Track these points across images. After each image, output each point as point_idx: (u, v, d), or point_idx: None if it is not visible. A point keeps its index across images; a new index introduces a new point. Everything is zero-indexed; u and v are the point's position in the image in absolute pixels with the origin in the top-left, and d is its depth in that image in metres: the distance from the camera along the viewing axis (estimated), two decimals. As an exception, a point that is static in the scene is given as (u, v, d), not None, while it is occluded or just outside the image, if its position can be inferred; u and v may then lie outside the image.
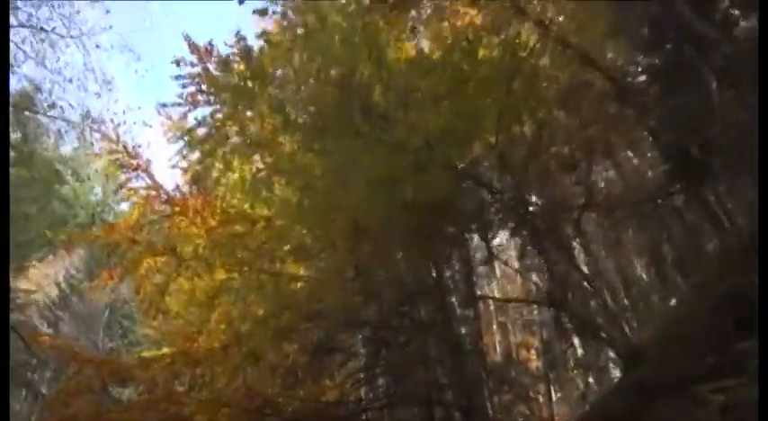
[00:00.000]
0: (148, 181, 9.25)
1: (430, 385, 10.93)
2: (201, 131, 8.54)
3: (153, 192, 9.22)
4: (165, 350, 8.71)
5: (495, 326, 21.61)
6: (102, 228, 8.42)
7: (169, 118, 10.74)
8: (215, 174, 8.53)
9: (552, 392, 17.50)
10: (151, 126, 12.11)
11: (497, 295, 18.95)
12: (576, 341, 12.88)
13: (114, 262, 8.57)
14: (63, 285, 31.57)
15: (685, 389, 4.20)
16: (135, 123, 17.04)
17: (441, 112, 5.02)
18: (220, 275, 8.19)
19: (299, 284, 8.84)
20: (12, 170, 29.17)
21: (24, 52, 11.62)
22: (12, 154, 28.60)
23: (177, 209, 8.85)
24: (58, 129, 13.15)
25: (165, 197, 9.12)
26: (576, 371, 13.47)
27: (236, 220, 8.32)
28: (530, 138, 5.86)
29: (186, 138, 10.03)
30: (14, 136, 28.43)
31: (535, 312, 19.05)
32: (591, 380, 13.66)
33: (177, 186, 9.18)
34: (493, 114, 5.13)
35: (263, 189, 8.19)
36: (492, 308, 21.23)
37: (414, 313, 11.05)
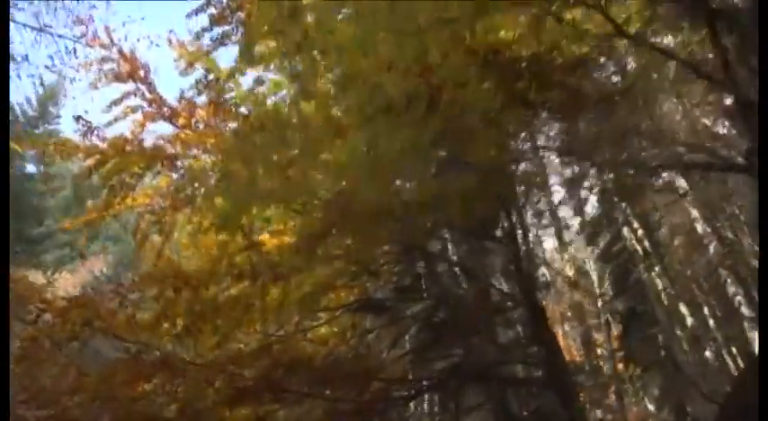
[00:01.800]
0: (148, 94, 7.33)
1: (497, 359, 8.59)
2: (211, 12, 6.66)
3: (154, 109, 7.29)
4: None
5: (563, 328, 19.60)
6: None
7: (182, 45, 8.93)
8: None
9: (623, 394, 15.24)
10: (159, 45, 10.10)
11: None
12: (683, 309, 10.19)
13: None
14: (89, 290, 30.57)
15: None
16: (138, 40, 14.54)
17: None
18: (238, 197, 6.08)
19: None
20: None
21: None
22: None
23: (183, 121, 6.90)
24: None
25: (169, 111, 7.16)
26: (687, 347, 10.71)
27: (257, 127, 6.25)
28: None
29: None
30: (38, 131, 27.92)
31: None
32: (708, 354, 10.84)
33: (182, 93, 7.21)
34: None
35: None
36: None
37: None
